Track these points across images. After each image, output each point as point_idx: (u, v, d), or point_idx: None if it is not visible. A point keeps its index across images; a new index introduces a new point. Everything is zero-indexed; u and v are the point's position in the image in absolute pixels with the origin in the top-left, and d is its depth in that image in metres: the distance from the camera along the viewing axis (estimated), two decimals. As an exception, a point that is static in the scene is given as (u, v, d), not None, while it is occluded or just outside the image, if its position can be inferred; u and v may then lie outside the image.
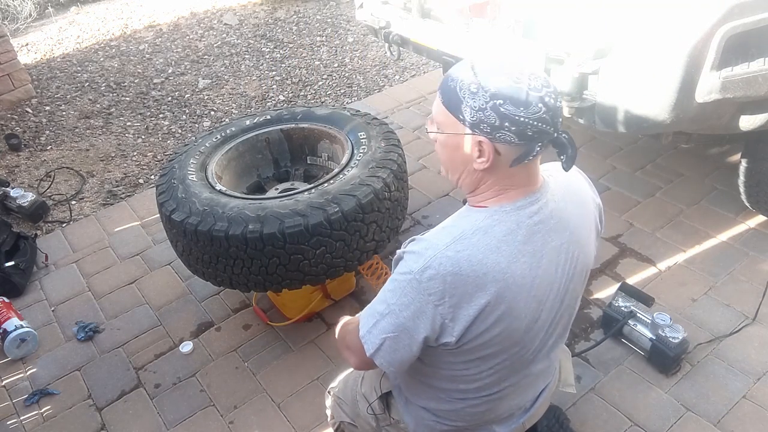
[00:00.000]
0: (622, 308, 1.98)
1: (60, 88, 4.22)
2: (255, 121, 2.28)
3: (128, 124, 3.74)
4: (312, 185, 1.90)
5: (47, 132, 3.69)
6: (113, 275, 2.54)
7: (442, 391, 1.23)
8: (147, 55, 4.59)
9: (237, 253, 1.76)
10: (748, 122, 1.96)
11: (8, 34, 4.14)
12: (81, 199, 3.09)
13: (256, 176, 2.28)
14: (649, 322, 1.92)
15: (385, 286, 1.09)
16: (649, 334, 1.90)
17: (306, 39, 4.64)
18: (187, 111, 3.82)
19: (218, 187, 1.95)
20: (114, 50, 4.73)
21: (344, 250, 1.80)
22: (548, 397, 1.40)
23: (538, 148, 1.00)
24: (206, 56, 4.51)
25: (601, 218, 1.24)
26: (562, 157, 1.04)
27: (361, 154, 1.97)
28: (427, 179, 2.90)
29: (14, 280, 2.46)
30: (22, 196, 2.91)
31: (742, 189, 2.40)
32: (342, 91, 3.91)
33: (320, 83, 4.02)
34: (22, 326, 2.20)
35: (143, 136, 3.60)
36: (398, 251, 1.09)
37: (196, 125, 3.67)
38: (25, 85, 4.03)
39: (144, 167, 3.31)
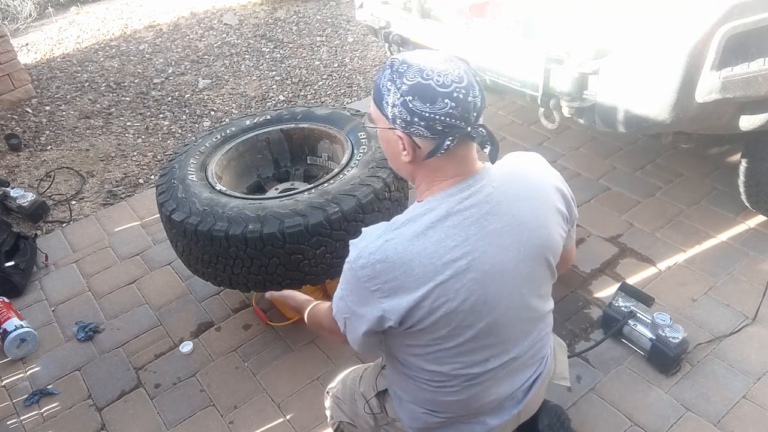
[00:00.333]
0: (622, 308, 1.98)
1: (60, 88, 4.22)
2: (255, 121, 2.28)
3: (128, 124, 3.74)
4: (312, 185, 1.90)
5: (47, 132, 3.69)
6: (113, 275, 2.54)
7: (420, 381, 1.25)
8: (147, 55, 4.59)
9: (237, 253, 1.76)
10: (748, 122, 1.96)
11: (8, 34, 4.14)
12: (81, 199, 3.09)
13: (256, 176, 2.28)
14: (649, 322, 1.92)
15: None
16: (649, 334, 1.90)
17: (306, 39, 4.64)
18: (187, 111, 3.82)
19: (218, 187, 1.95)
20: (114, 50, 4.73)
21: (344, 250, 1.79)
22: (541, 389, 1.40)
23: (449, 142, 1.04)
24: (206, 56, 4.51)
25: (567, 202, 1.24)
26: (485, 150, 1.07)
27: (361, 154, 1.98)
28: (427, 179, 2.89)
29: (14, 280, 2.46)
30: (22, 196, 2.91)
31: (742, 189, 2.40)
32: (342, 91, 3.91)
33: (320, 83, 4.02)
34: (22, 326, 2.20)
35: (143, 136, 3.60)
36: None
37: (196, 125, 3.67)
38: (25, 85, 4.03)
39: (144, 167, 3.31)
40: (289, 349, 2.13)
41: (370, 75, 4.05)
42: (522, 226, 1.14)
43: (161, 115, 3.80)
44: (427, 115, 1.03)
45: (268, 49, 4.53)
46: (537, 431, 1.58)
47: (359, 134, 2.08)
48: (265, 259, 1.75)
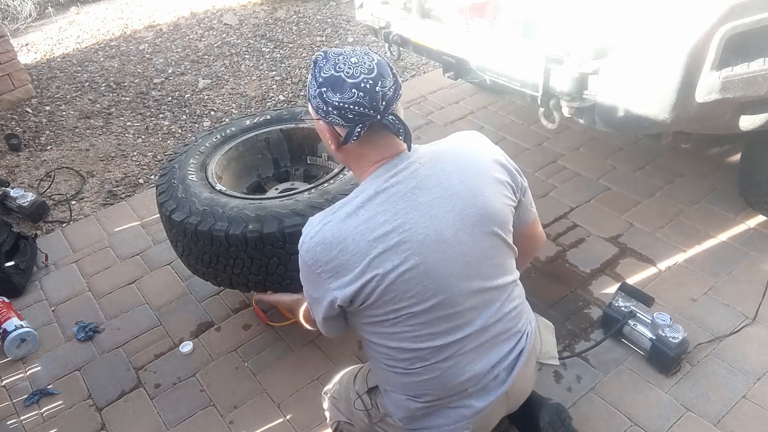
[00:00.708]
0: (622, 308, 1.98)
1: (60, 88, 4.22)
2: (255, 121, 2.28)
3: (128, 124, 3.74)
4: (312, 185, 1.90)
5: (47, 132, 3.69)
6: (113, 275, 2.54)
7: (391, 364, 1.29)
8: (147, 55, 4.59)
9: (237, 252, 1.76)
10: (748, 122, 1.96)
11: (8, 34, 4.14)
12: (81, 199, 3.09)
13: (256, 176, 2.28)
14: (649, 322, 1.92)
15: None
16: (649, 334, 1.90)
17: (306, 39, 4.64)
18: (187, 111, 3.82)
19: (218, 187, 1.95)
20: (114, 50, 4.73)
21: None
22: (528, 369, 1.40)
23: (359, 129, 1.13)
24: (206, 56, 4.51)
25: (510, 172, 1.30)
26: (400, 138, 1.17)
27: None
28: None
29: (14, 280, 2.46)
30: (22, 196, 2.91)
31: (742, 189, 2.40)
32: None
33: (320, 83, 4.02)
34: (22, 326, 2.20)
35: (143, 136, 3.60)
36: None
37: (196, 125, 3.67)
38: (25, 85, 4.03)
39: (144, 167, 3.31)
40: (289, 349, 2.13)
41: (370, 75, 4.04)
42: (455, 196, 1.20)
43: (161, 115, 3.80)
44: (338, 104, 1.12)
45: (268, 49, 4.53)
46: (538, 429, 1.59)
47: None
48: (265, 259, 1.75)
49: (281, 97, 3.90)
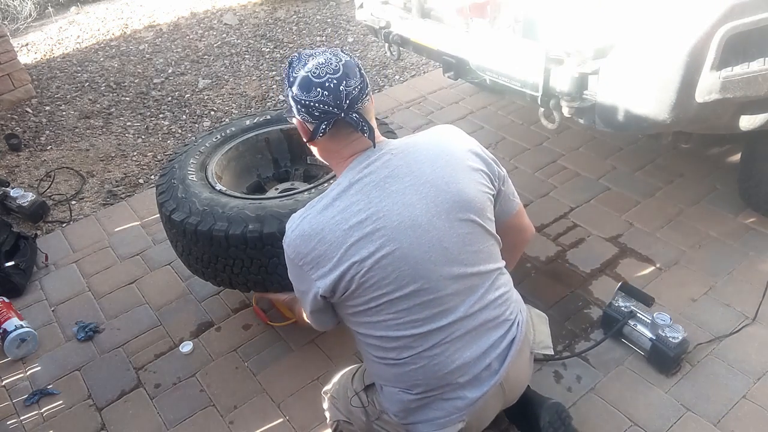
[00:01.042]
0: (622, 308, 1.98)
1: (60, 88, 4.22)
2: (255, 121, 2.28)
3: (128, 124, 3.74)
4: (312, 185, 1.90)
5: (47, 132, 3.69)
6: (113, 275, 2.54)
7: (382, 359, 1.32)
8: (147, 55, 4.59)
9: (237, 252, 1.76)
10: (748, 122, 1.96)
11: (8, 34, 4.14)
12: (81, 199, 3.09)
13: (256, 176, 2.28)
14: (649, 322, 1.92)
15: None
16: (649, 334, 1.90)
17: (306, 39, 4.64)
18: (187, 111, 3.82)
19: (218, 187, 1.95)
20: (114, 50, 4.73)
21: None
22: (521, 359, 1.40)
23: (324, 126, 1.21)
24: (206, 56, 4.51)
25: (486, 162, 1.34)
26: (365, 135, 1.23)
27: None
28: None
29: (14, 280, 2.46)
30: (22, 196, 2.91)
31: (741, 189, 2.40)
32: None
33: (320, 83, 4.01)
34: (22, 326, 2.20)
35: (143, 136, 3.60)
36: None
37: (196, 125, 3.67)
38: (25, 85, 4.03)
39: (144, 167, 3.31)
40: (289, 349, 2.13)
41: (370, 75, 4.05)
42: (427, 183, 1.24)
43: (161, 115, 3.80)
44: (305, 102, 1.20)
45: (268, 49, 4.53)
46: (538, 428, 1.59)
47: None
48: (265, 259, 1.75)
49: (281, 97, 3.90)
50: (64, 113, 3.90)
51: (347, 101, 1.20)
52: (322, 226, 1.21)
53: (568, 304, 2.17)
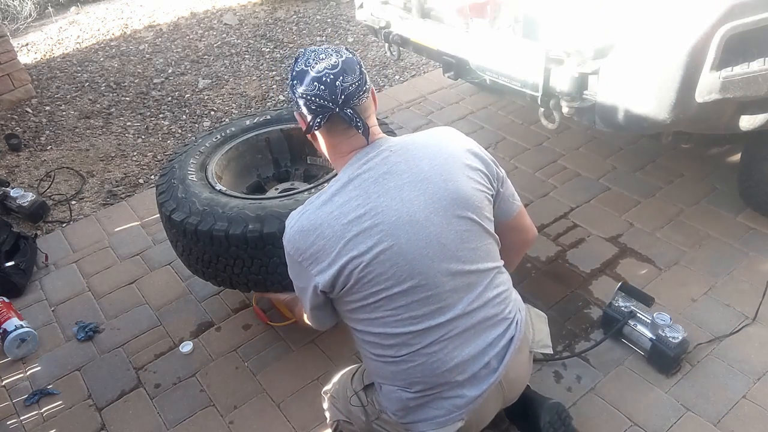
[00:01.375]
0: (622, 308, 1.98)
1: (60, 88, 4.22)
2: (255, 121, 2.28)
3: (128, 124, 3.74)
4: (312, 185, 1.90)
5: (47, 132, 3.69)
6: (113, 275, 2.54)
7: (381, 356, 1.32)
8: (147, 55, 4.59)
9: (237, 252, 1.76)
10: (748, 122, 1.96)
11: (8, 34, 4.14)
12: (81, 199, 3.09)
13: (256, 176, 2.28)
14: (649, 322, 1.92)
15: None
16: (649, 334, 1.90)
17: (306, 39, 4.64)
18: (187, 111, 3.82)
19: (218, 187, 1.95)
20: (114, 50, 4.73)
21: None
22: (521, 357, 1.40)
23: (319, 119, 1.23)
24: (206, 56, 4.51)
25: (484, 161, 1.35)
26: (360, 131, 1.24)
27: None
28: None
29: (14, 280, 2.46)
30: (22, 196, 2.91)
31: (741, 189, 2.40)
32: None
33: (320, 83, 4.01)
34: (22, 326, 2.20)
35: (143, 136, 3.60)
36: None
37: (196, 125, 3.67)
38: (25, 85, 4.03)
39: (144, 167, 3.31)
40: (289, 349, 2.13)
41: (370, 75, 4.05)
42: (425, 180, 1.25)
43: (161, 115, 3.80)
44: (302, 94, 1.23)
45: (268, 49, 4.53)
46: (538, 428, 1.59)
47: (359, 134, 2.08)
48: (265, 259, 1.75)
49: (281, 97, 3.90)
50: (64, 113, 3.90)
51: (342, 96, 1.21)
52: (320, 221, 1.23)
53: (568, 304, 2.17)
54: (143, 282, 2.49)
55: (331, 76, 1.21)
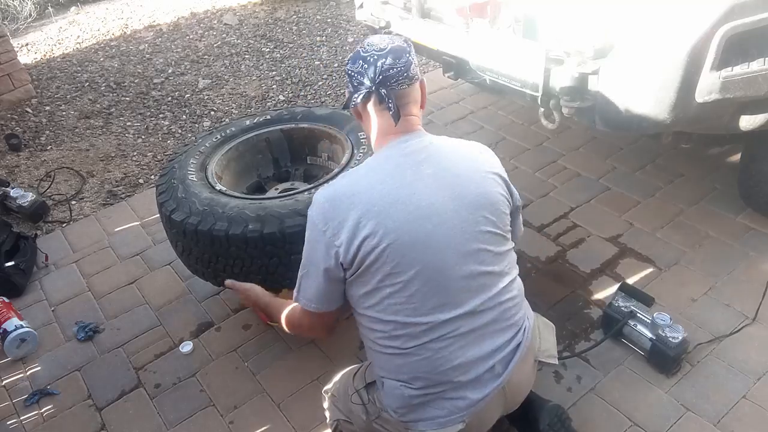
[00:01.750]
0: (622, 308, 1.98)
1: (60, 88, 4.22)
2: (255, 121, 2.28)
3: (128, 124, 3.74)
4: (312, 185, 1.90)
5: (47, 132, 3.69)
6: (113, 275, 2.54)
7: (386, 347, 1.32)
8: (147, 55, 4.59)
9: (237, 252, 1.76)
10: (748, 122, 1.96)
11: (8, 34, 4.14)
12: (81, 199, 3.09)
13: (256, 176, 2.28)
14: (649, 322, 1.92)
15: None
16: (649, 334, 1.90)
17: (306, 39, 4.64)
18: (187, 111, 3.82)
19: (218, 187, 1.94)
20: (114, 50, 4.73)
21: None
22: (525, 365, 1.41)
23: (356, 96, 1.31)
24: (206, 56, 4.51)
25: (507, 184, 1.40)
26: (390, 113, 1.29)
27: (361, 154, 1.97)
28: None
29: (14, 280, 2.46)
30: (22, 196, 2.91)
31: (741, 189, 2.40)
32: (342, 91, 3.91)
33: (320, 83, 4.02)
34: (22, 326, 2.20)
35: (143, 136, 3.60)
36: None
37: (196, 125, 3.67)
38: (25, 85, 4.02)
39: (144, 167, 3.31)
40: (289, 349, 2.13)
41: (370, 75, 4.04)
42: (458, 177, 1.30)
43: (161, 115, 3.80)
44: (348, 71, 1.33)
45: (268, 49, 4.53)
46: (538, 430, 1.59)
47: (359, 134, 2.08)
48: (265, 259, 1.75)
49: (281, 97, 3.90)
50: (64, 113, 3.90)
51: (380, 77, 1.28)
52: (353, 192, 1.26)
53: (568, 304, 2.17)
54: (143, 282, 2.49)
55: (375, 57, 1.28)
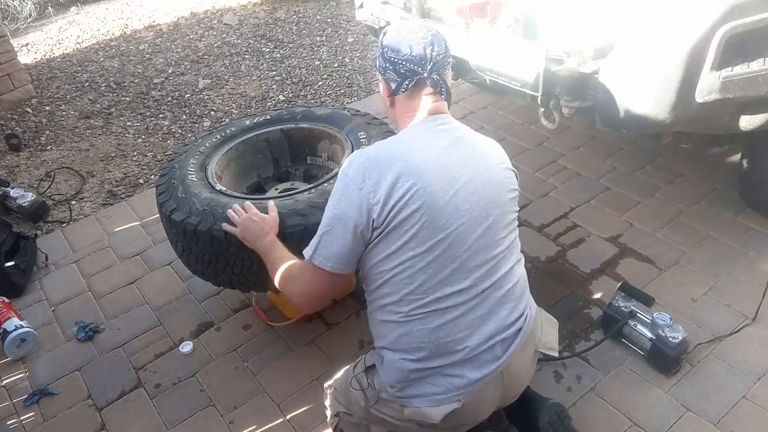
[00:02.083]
0: (622, 308, 1.98)
1: (60, 88, 4.22)
2: (255, 121, 2.28)
3: (128, 124, 3.74)
4: (312, 185, 1.90)
5: (47, 132, 3.69)
6: (113, 275, 2.54)
7: (393, 314, 1.35)
8: (147, 55, 4.59)
9: (237, 252, 1.76)
10: (748, 122, 1.96)
11: (8, 34, 4.14)
12: (81, 199, 3.09)
13: (256, 176, 2.27)
14: (649, 322, 1.92)
15: None
16: (649, 334, 1.90)
17: (306, 39, 4.64)
18: (187, 111, 3.82)
19: (218, 187, 1.94)
20: (114, 50, 4.74)
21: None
22: (526, 353, 1.43)
23: (408, 82, 1.37)
24: (206, 56, 4.51)
25: (517, 187, 1.47)
26: (443, 97, 1.41)
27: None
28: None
29: (14, 280, 2.45)
30: (22, 196, 2.91)
31: (741, 189, 2.40)
32: (342, 91, 3.91)
33: (320, 83, 4.02)
34: (22, 326, 2.20)
35: (143, 136, 3.60)
36: None
37: (196, 125, 3.67)
38: (25, 85, 4.02)
39: (144, 167, 3.31)
40: (289, 349, 2.13)
41: (370, 75, 4.05)
42: (485, 161, 1.39)
43: (161, 115, 3.80)
44: (393, 59, 1.37)
45: (268, 49, 4.53)
46: (537, 428, 1.59)
47: (359, 134, 2.08)
48: (265, 259, 1.75)
49: (281, 97, 3.90)
50: (64, 113, 3.90)
51: (431, 63, 1.36)
52: (394, 153, 1.32)
53: (568, 304, 2.18)
54: (143, 282, 2.49)
55: (422, 44, 1.35)
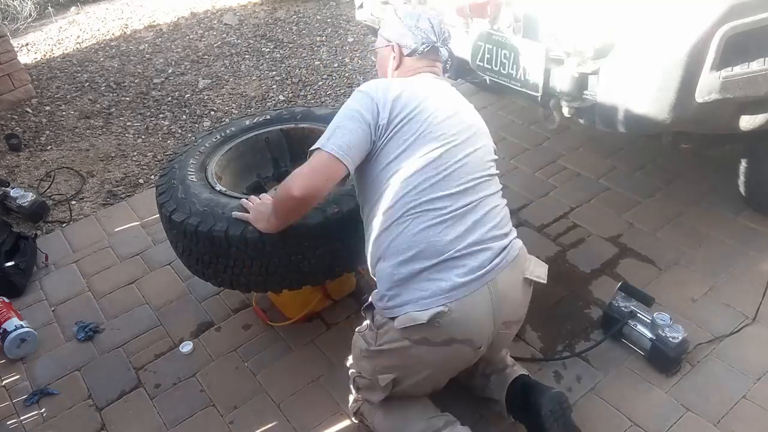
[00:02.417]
0: (622, 308, 1.98)
1: (60, 88, 4.22)
2: (255, 121, 2.28)
3: (128, 124, 3.74)
4: (312, 185, 1.90)
5: (47, 132, 3.69)
6: (113, 275, 2.54)
7: (388, 218, 1.49)
8: (147, 55, 4.60)
9: (237, 253, 1.76)
10: (748, 122, 1.96)
11: (8, 34, 4.14)
12: (81, 199, 3.09)
13: (256, 176, 2.27)
14: (649, 322, 1.92)
15: None
16: (649, 334, 1.90)
17: (306, 39, 4.64)
18: (187, 111, 3.83)
19: (218, 187, 1.94)
20: (114, 50, 4.74)
21: (344, 251, 1.80)
22: (511, 273, 1.51)
23: (423, 47, 1.68)
24: (206, 56, 4.51)
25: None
26: (447, 65, 1.77)
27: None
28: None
29: (14, 280, 2.46)
30: (22, 196, 2.91)
31: (742, 189, 2.40)
32: (342, 91, 3.91)
33: (320, 83, 4.02)
34: (22, 326, 2.20)
35: (143, 136, 3.60)
36: None
37: (196, 125, 3.67)
38: (25, 85, 4.03)
39: (144, 167, 3.31)
40: (289, 349, 2.13)
41: (370, 75, 4.05)
42: (474, 115, 1.68)
43: (161, 115, 3.80)
44: (414, 26, 1.68)
45: (268, 49, 4.53)
46: (540, 417, 1.59)
47: (359, 134, 2.08)
48: (265, 260, 1.75)
49: (281, 97, 3.90)
50: (64, 113, 3.91)
51: (443, 36, 1.71)
52: (400, 82, 1.60)
53: (568, 304, 2.17)
54: (143, 282, 2.49)
55: (433, 18, 1.70)
